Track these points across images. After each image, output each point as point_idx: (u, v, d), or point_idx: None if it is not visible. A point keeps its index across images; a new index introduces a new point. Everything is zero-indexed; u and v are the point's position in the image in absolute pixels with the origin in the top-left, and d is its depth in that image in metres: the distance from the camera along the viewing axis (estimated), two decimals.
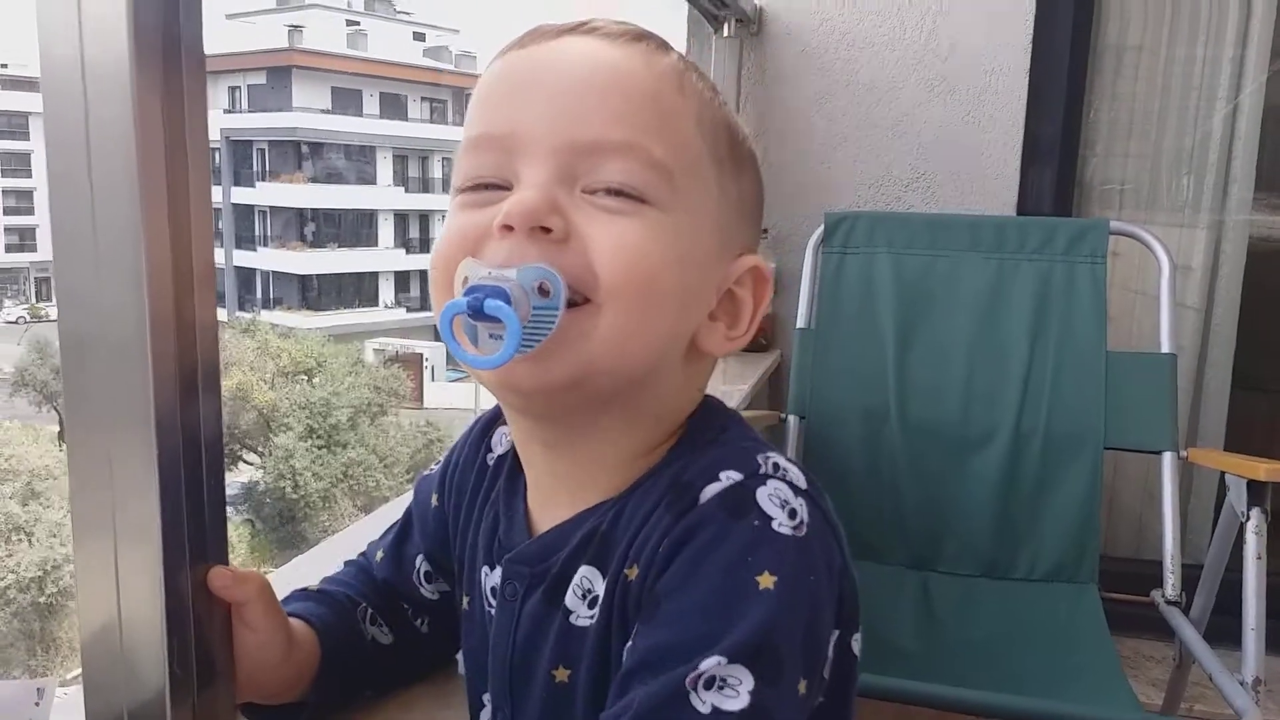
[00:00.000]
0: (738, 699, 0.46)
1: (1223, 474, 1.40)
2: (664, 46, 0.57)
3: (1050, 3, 2.02)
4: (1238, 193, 2.18)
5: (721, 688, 0.46)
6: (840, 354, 1.70)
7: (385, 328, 24.98)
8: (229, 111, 27.18)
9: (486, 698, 0.63)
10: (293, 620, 0.62)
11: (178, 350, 0.52)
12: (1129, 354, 1.63)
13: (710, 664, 0.47)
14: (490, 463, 0.66)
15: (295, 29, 27.58)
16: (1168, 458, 1.53)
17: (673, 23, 2.01)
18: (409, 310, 26.87)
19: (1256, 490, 1.31)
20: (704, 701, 0.46)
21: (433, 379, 22.08)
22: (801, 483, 0.53)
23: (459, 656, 0.71)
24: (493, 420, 0.68)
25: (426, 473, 0.72)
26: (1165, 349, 1.60)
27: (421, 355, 22.10)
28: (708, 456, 0.54)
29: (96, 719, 0.55)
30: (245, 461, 14.92)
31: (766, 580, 0.49)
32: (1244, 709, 1.16)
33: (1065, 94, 2.08)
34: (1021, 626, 1.47)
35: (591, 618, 0.55)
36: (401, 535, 0.71)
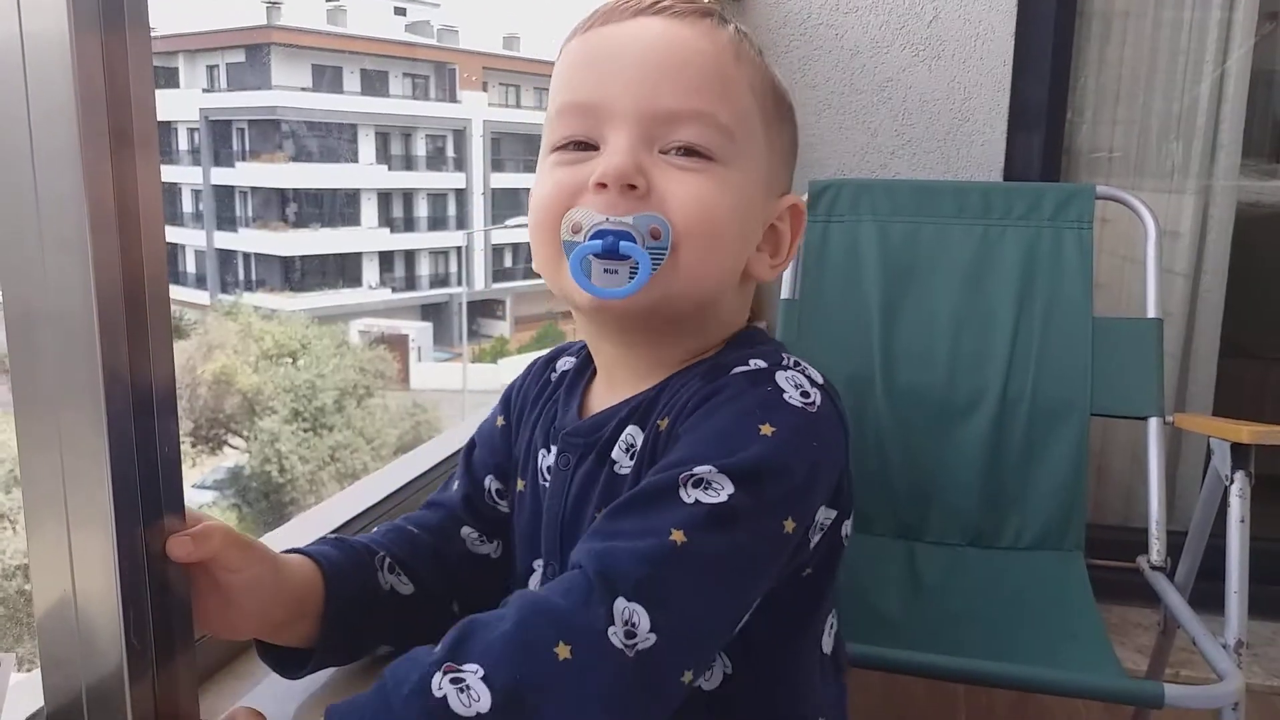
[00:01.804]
0: (717, 497, 0.56)
1: (1209, 438, 1.39)
2: (722, 19, 0.67)
3: None
4: (1225, 158, 2.17)
5: (707, 488, 0.57)
6: (826, 324, 1.68)
7: (370, 308, 24.85)
8: (208, 91, 26.86)
9: (538, 563, 0.72)
10: (294, 556, 0.67)
11: (127, 320, 0.51)
12: (1115, 319, 1.62)
13: (703, 470, 0.57)
14: (553, 379, 0.78)
15: (273, 6, 27.16)
16: (1154, 423, 1.52)
17: None
18: (394, 290, 26.70)
19: (1240, 453, 1.30)
20: (689, 494, 0.56)
21: (419, 360, 22.02)
22: (819, 379, 0.65)
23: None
24: (556, 355, 0.81)
25: (485, 418, 0.83)
26: (1151, 314, 1.59)
27: (407, 336, 22.03)
28: (743, 351, 0.66)
29: (55, 695, 0.54)
30: (230, 446, 14.86)
31: (768, 429, 0.59)
32: (1226, 672, 1.15)
33: (1052, 59, 2.05)
34: (1008, 595, 1.46)
35: (631, 465, 0.66)
36: (467, 466, 0.80)
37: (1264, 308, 2.40)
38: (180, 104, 26.64)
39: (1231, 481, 1.29)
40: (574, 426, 0.71)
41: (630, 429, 0.67)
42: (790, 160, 0.73)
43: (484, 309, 27.99)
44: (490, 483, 0.78)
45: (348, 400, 13.88)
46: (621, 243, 0.60)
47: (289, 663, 0.66)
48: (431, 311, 26.49)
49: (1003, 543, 1.57)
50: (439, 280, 27.50)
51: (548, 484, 0.72)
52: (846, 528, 0.69)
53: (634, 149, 0.62)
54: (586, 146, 0.64)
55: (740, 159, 0.65)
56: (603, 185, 0.62)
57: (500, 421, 0.80)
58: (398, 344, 20.37)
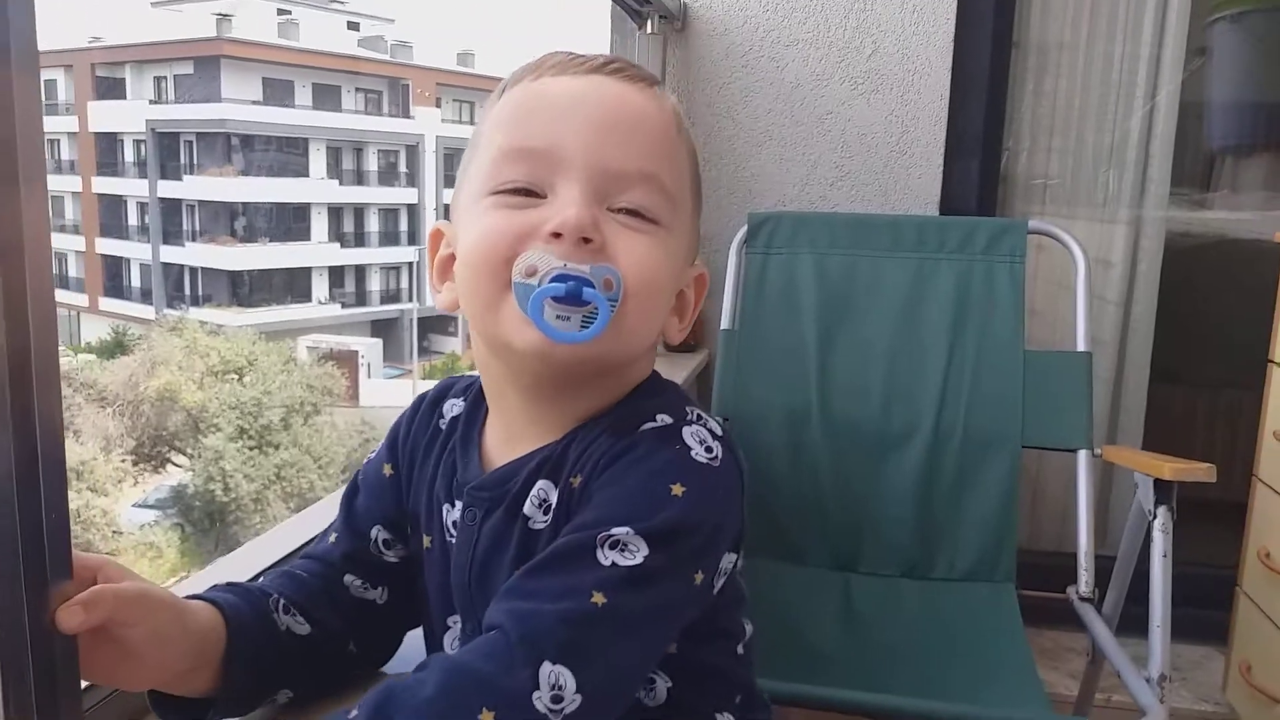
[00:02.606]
0: (634, 559, 0.58)
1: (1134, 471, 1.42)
2: (664, 91, 0.70)
3: (972, 0, 2.02)
4: (1155, 189, 2.22)
5: (623, 550, 0.58)
6: (763, 355, 1.68)
7: (319, 324, 24.52)
8: (155, 102, 26.39)
9: (453, 620, 0.72)
10: (194, 602, 0.66)
11: (9, 369, 0.48)
12: (1046, 353, 1.65)
13: (620, 531, 0.59)
14: (443, 426, 0.77)
15: (224, 18, 26.86)
16: (1083, 455, 1.55)
17: (595, 17, 1.98)
18: (344, 306, 26.40)
19: (1162, 489, 1.32)
20: (606, 556, 0.58)
21: (369, 376, 21.75)
22: (718, 431, 0.67)
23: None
24: (442, 394, 0.79)
25: (369, 458, 0.81)
26: (1081, 347, 1.62)
27: (357, 353, 21.76)
28: (649, 404, 0.67)
29: None
30: (173, 464, 14.54)
31: (678, 489, 0.61)
32: (1149, 706, 1.17)
33: (987, 91, 2.09)
34: (941, 627, 1.48)
35: (546, 521, 0.66)
36: (349, 514, 0.78)
37: (1192, 334, 2.46)
38: (126, 115, 26.16)
39: (1154, 516, 1.32)
40: (479, 480, 0.70)
41: (541, 484, 0.67)
42: (698, 227, 0.76)
43: (435, 325, 27.75)
44: (377, 533, 0.76)
45: (295, 418, 13.66)
46: (584, 289, 0.61)
47: (187, 715, 0.65)
48: (382, 327, 26.22)
49: (936, 573, 1.58)
50: (390, 296, 27.24)
51: (454, 539, 0.71)
52: (740, 561, 0.71)
53: (589, 203, 0.63)
54: (531, 194, 0.64)
55: (676, 225, 0.67)
56: (557, 235, 0.62)
57: (388, 470, 0.78)
58: (347, 360, 20.11)
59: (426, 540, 0.74)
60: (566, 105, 0.65)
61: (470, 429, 0.74)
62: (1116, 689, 1.83)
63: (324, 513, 1.03)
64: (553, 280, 0.61)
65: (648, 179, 0.65)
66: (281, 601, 0.71)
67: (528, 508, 0.67)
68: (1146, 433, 2.28)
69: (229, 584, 0.71)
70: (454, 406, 0.77)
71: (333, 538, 0.77)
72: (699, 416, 0.67)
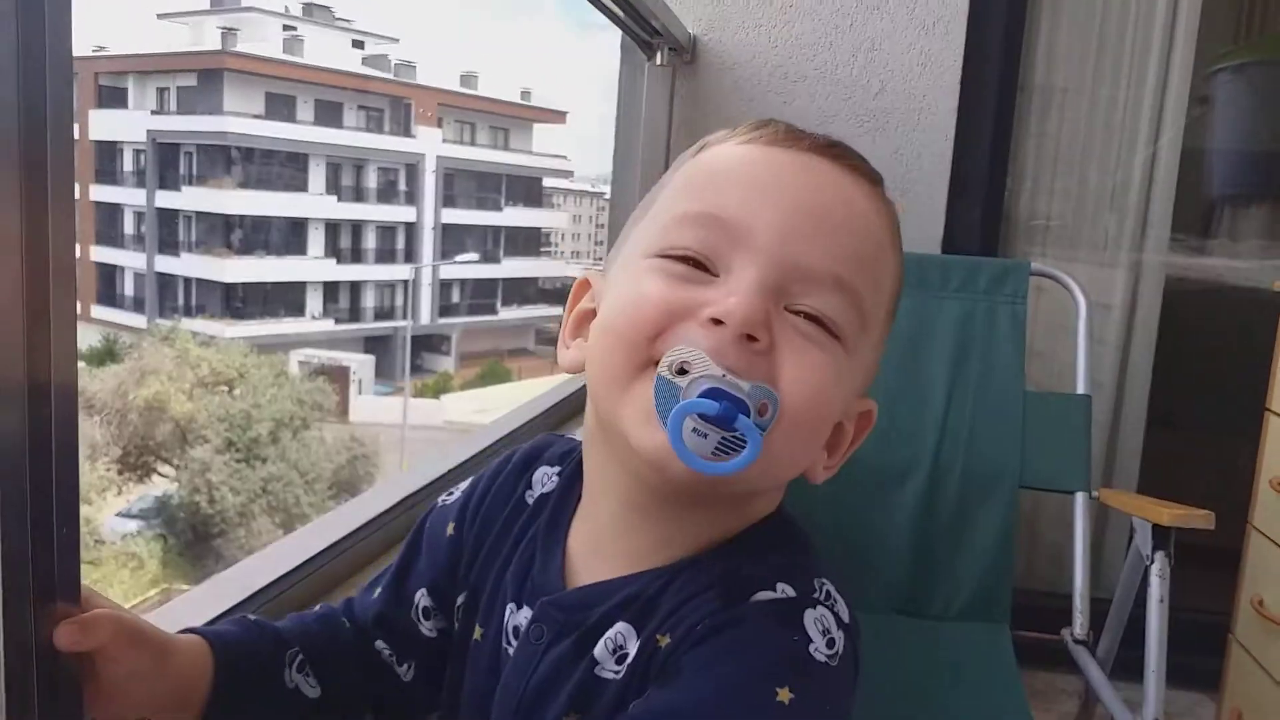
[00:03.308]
0: None
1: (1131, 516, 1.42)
2: (886, 191, 0.60)
3: (979, 43, 2.04)
4: (1155, 234, 2.24)
5: None
6: None
7: (312, 339, 24.47)
8: (156, 113, 26.45)
9: None
10: (188, 638, 0.60)
11: (27, 378, 0.47)
12: (1046, 395, 1.66)
13: None
14: (530, 501, 0.66)
15: (229, 32, 27.01)
16: (1080, 498, 1.55)
17: (606, 48, 1.99)
18: (337, 322, 26.37)
19: (1160, 534, 1.33)
20: None
21: (359, 393, 21.70)
22: (845, 616, 0.56)
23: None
24: (534, 457, 0.69)
25: (441, 503, 0.71)
26: (1080, 390, 1.63)
27: (348, 368, 21.72)
28: (769, 562, 0.56)
29: None
30: (160, 474, 14.45)
31: (785, 694, 0.50)
32: None
33: (992, 133, 2.11)
34: (936, 666, 1.47)
35: (617, 673, 0.56)
36: (404, 567, 0.69)
37: (1189, 379, 2.47)
38: (127, 125, 26.22)
39: (1152, 561, 1.32)
40: (558, 597, 0.60)
41: (621, 626, 0.57)
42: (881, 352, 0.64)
43: (429, 344, 27.74)
44: (421, 598, 0.67)
45: (283, 432, 13.60)
46: (739, 415, 0.51)
47: None
48: (375, 344, 26.17)
49: (932, 612, 1.58)
50: (384, 313, 27.23)
51: (513, 650, 0.61)
52: None
53: (764, 295, 0.53)
54: (702, 268, 0.55)
55: (860, 349, 0.57)
56: (718, 322, 0.52)
57: (451, 530, 0.68)
58: (338, 376, 20.06)
59: (478, 632, 0.64)
60: (770, 179, 0.56)
61: (559, 517, 0.64)
62: None
63: (317, 533, 1.02)
64: (704, 393, 0.51)
65: (842, 287, 0.54)
66: (300, 657, 0.64)
67: (600, 649, 0.57)
68: (1143, 476, 2.29)
69: (255, 620, 0.65)
70: (546, 479, 0.67)
71: (377, 591, 0.69)
72: (827, 595, 0.56)
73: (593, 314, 0.60)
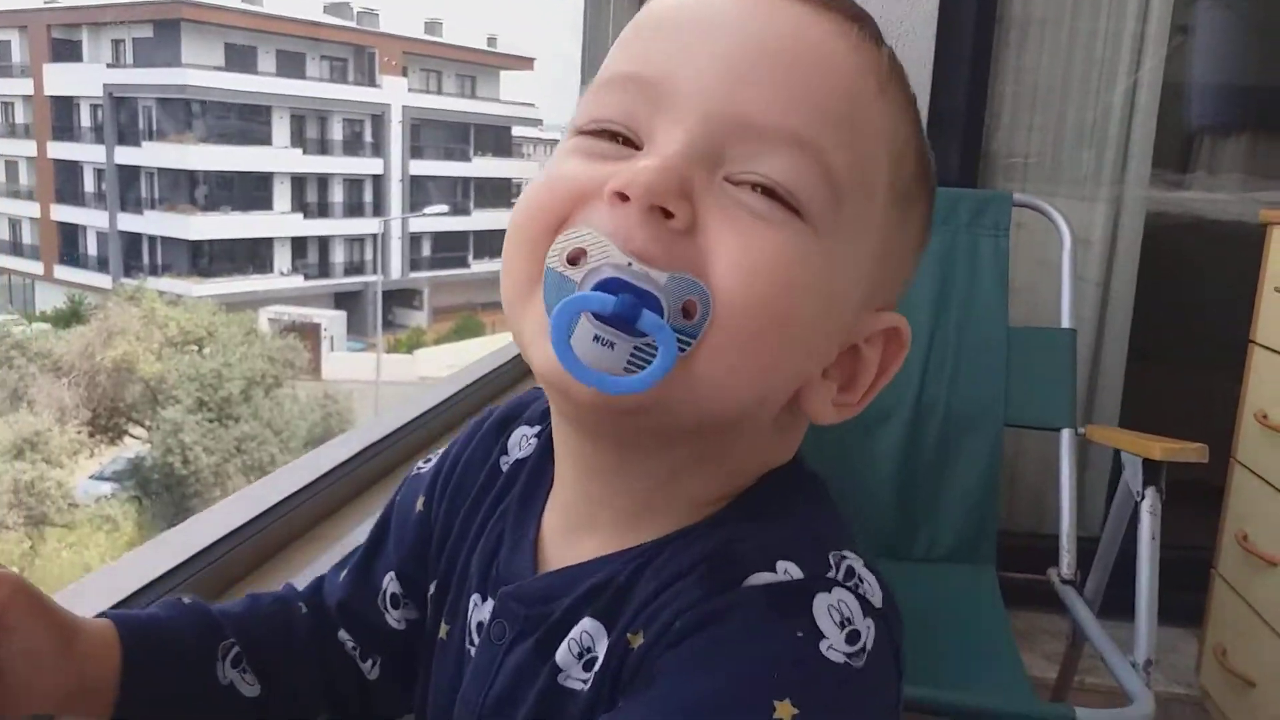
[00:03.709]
0: None
1: (1118, 450, 1.39)
2: (877, 37, 0.46)
3: None
4: (1136, 168, 2.20)
5: None
6: None
7: (281, 295, 24.17)
8: (112, 66, 25.74)
9: None
10: (96, 623, 0.52)
11: None
12: (1030, 329, 1.62)
13: None
14: (504, 467, 0.56)
15: None
16: (1066, 435, 1.52)
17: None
18: (307, 278, 26.02)
19: (1151, 469, 1.29)
20: None
21: (331, 349, 21.50)
22: (877, 599, 0.43)
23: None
24: (513, 416, 0.58)
25: (415, 471, 0.61)
26: (1065, 324, 1.59)
27: (319, 325, 21.50)
28: (769, 533, 0.45)
29: None
30: (132, 436, 14.30)
31: (786, 709, 0.38)
32: (1136, 693, 1.14)
33: (970, 65, 2.06)
34: (921, 609, 1.44)
35: (585, 682, 0.46)
36: (372, 549, 0.60)
37: (1170, 315, 2.45)
38: (83, 79, 25.50)
39: (1143, 498, 1.29)
40: (518, 587, 0.50)
41: (587, 624, 0.46)
42: (911, 261, 0.50)
43: (400, 299, 27.49)
44: (388, 583, 0.58)
45: (255, 390, 13.48)
46: (645, 312, 0.39)
47: None
48: (346, 300, 25.92)
49: (916, 555, 1.55)
50: (354, 268, 26.93)
51: (474, 650, 0.52)
52: None
53: (684, 157, 0.41)
54: (626, 141, 0.44)
55: (842, 229, 0.43)
56: (622, 197, 0.41)
57: (420, 505, 0.58)
58: (309, 333, 19.86)
59: (444, 629, 0.55)
60: (700, 18, 0.44)
61: (534, 488, 0.54)
62: (1090, 670, 1.81)
63: (285, 478, 0.96)
64: (598, 284, 0.40)
65: (800, 144, 0.42)
66: (235, 650, 0.55)
67: (562, 654, 0.47)
68: (1124, 412, 2.27)
69: (191, 601, 0.56)
70: (524, 442, 0.57)
71: (343, 574, 0.60)
72: (848, 572, 0.44)
73: None
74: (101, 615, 0.53)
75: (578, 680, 0.46)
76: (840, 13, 0.45)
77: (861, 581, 0.44)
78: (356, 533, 0.92)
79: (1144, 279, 2.23)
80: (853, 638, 0.41)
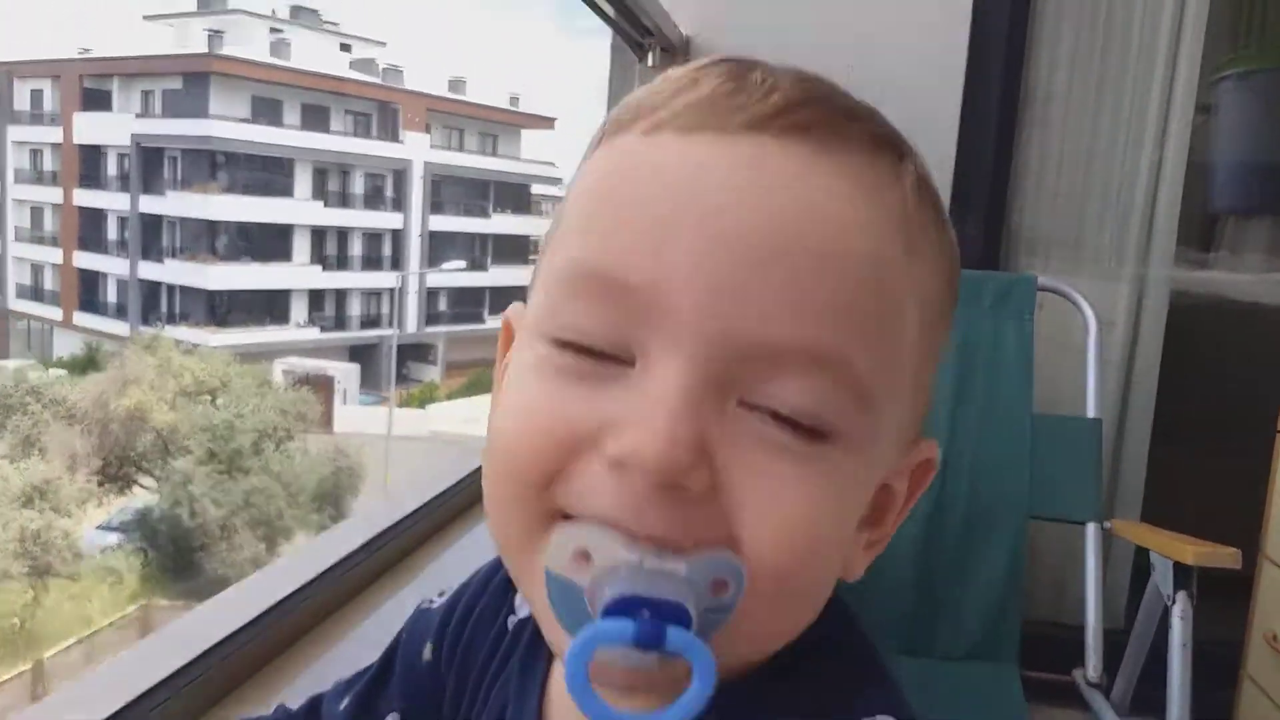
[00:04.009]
0: None
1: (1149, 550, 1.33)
2: (897, 160, 0.40)
3: (982, 47, 1.98)
4: (1160, 246, 2.17)
5: None
6: None
7: (297, 347, 24.31)
8: (141, 116, 26.28)
9: None
10: None
11: None
12: (1055, 418, 1.57)
13: None
14: (510, 626, 0.51)
15: (215, 34, 26.87)
16: (1091, 529, 1.47)
17: (595, 52, 1.92)
18: (323, 330, 26.21)
19: (1183, 573, 1.24)
20: None
21: (344, 402, 21.55)
22: None
23: None
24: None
25: (424, 606, 0.56)
26: (1091, 413, 1.55)
27: (333, 378, 21.57)
28: (798, 702, 0.41)
29: None
30: (141, 485, 14.29)
31: None
32: None
33: (995, 142, 2.05)
34: (942, 709, 1.38)
35: None
36: (376, 685, 0.56)
37: (1194, 398, 2.40)
38: (111, 128, 26.04)
39: (1174, 602, 1.23)
40: None
41: None
42: (933, 375, 0.44)
43: (415, 353, 27.60)
44: None
45: (266, 443, 13.48)
46: (670, 630, 0.34)
47: None
48: (361, 353, 26.06)
49: (937, 651, 1.49)
50: (370, 321, 27.12)
51: None
52: None
53: (693, 399, 0.35)
54: (612, 358, 0.37)
55: (868, 432, 0.38)
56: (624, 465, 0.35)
57: (429, 654, 0.54)
58: (322, 385, 19.92)
59: None
60: (688, 196, 0.36)
61: (536, 649, 0.49)
62: None
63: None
64: (610, 609, 0.34)
65: (821, 361, 0.36)
66: None
67: None
68: (1147, 496, 2.21)
69: None
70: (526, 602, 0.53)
71: (344, 703, 0.56)
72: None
73: None
74: None
75: None
76: (858, 144, 0.38)
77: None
78: (354, 636, 0.88)
79: (1167, 359, 2.19)
80: None
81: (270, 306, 25.52)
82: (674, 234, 0.35)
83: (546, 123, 33.35)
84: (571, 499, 0.36)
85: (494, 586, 0.54)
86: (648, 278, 0.35)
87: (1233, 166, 2.59)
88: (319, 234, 26.39)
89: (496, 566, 0.54)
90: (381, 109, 28.42)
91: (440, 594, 0.57)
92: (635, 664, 0.34)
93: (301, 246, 26.00)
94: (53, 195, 27.67)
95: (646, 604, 0.34)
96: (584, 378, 0.37)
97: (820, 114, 0.38)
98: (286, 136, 25.80)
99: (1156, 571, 1.30)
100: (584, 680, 0.33)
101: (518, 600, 0.52)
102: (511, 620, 0.52)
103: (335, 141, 26.83)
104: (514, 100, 33.24)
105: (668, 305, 0.35)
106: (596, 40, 1.89)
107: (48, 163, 28.11)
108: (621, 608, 0.34)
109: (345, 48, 30.45)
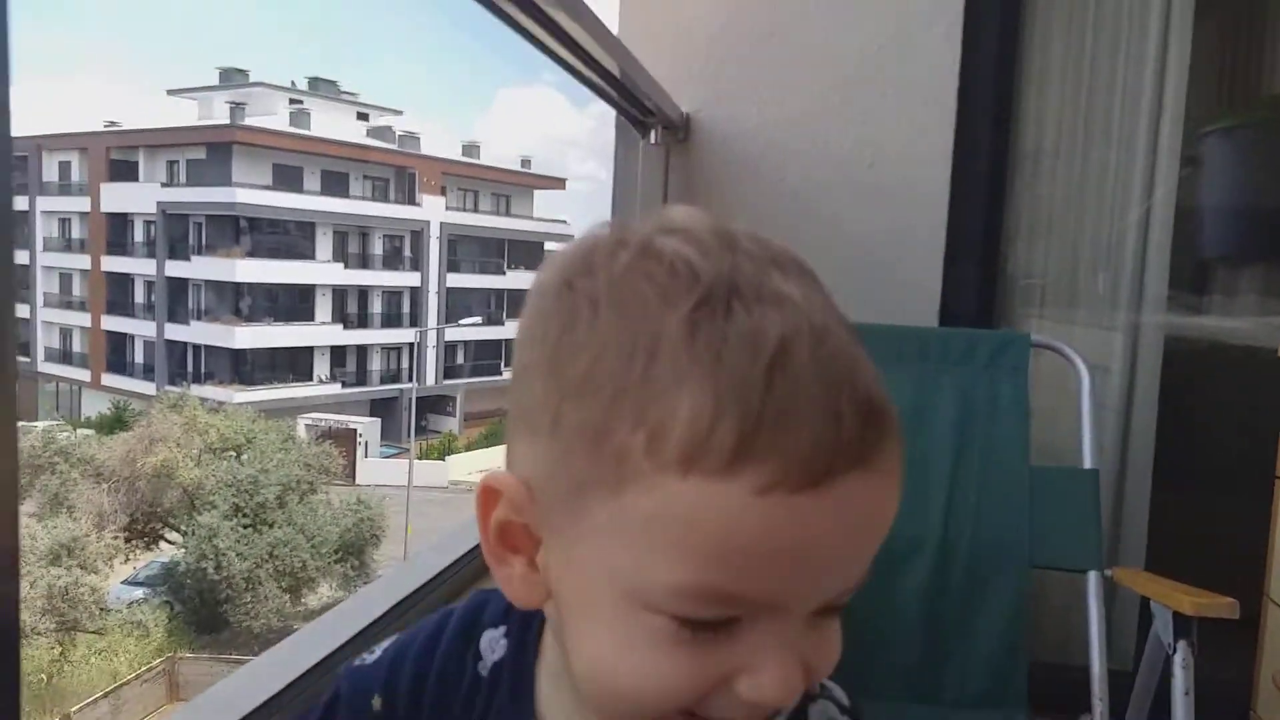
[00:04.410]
0: None
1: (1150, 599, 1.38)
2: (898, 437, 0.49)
3: (969, 111, 2.05)
4: (1152, 294, 2.22)
5: None
6: None
7: (319, 402, 24.53)
8: (166, 185, 26.88)
9: None
10: None
11: None
12: (1053, 469, 1.63)
13: None
14: (484, 673, 0.58)
15: (238, 106, 27.54)
16: (1093, 577, 1.52)
17: (600, 116, 2.01)
18: (344, 385, 26.46)
19: (1182, 622, 1.28)
20: None
21: (365, 455, 21.66)
22: (845, 701, 0.56)
23: None
24: (473, 622, 0.60)
25: (357, 664, 0.62)
26: (1088, 464, 1.60)
27: (355, 431, 21.72)
28: None
29: None
30: (167, 541, 14.38)
31: None
32: None
33: (985, 200, 2.10)
34: None
35: None
36: None
37: (1193, 444, 2.44)
38: (138, 197, 26.63)
39: (1174, 651, 1.28)
40: None
41: None
42: None
43: (434, 405, 27.77)
44: None
45: (290, 496, 13.56)
46: None
47: None
48: (381, 406, 26.24)
49: (946, 698, 1.53)
50: (390, 376, 27.38)
51: None
52: None
53: (801, 661, 0.45)
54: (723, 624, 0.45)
55: None
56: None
57: (378, 705, 0.60)
58: (345, 438, 20.06)
59: None
60: (806, 550, 0.43)
61: (520, 685, 0.57)
62: None
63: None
64: None
65: (859, 580, 0.48)
66: None
67: None
68: (1150, 541, 2.24)
69: None
70: (494, 644, 0.59)
71: None
72: (822, 686, 0.56)
73: (524, 529, 0.48)
74: None
75: None
76: (892, 455, 0.45)
77: (832, 690, 0.57)
78: None
79: (1165, 405, 2.23)
80: None
81: (293, 364, 25.81)
82: (799, 570, 0.43)
83: (557, 183, 33.92)
84: (704, 710, 0.45)
85: (448, 640, 0.60)
86: (772, 596, 0.43)
87: (1220, 215, 2.65)
88: (340, 293, 26.78)
89: (441, 622, 0.61)
90: (399, 174, 28.97)
91: (369, 654, 0.62)
92: None
93: (323, 306, 26.38)
94: (81, 262, 28.23)
95: None
96: (703, 644, 0.44)
97: (879, 432, 0.44)
98: (307, 202, 26.30)
99: (1157, 621, 1.35)
100: None
101: (482, 647, 0.59)
102: (482, 667, 0.58)
103: (355, 206, 27.33)
104: (525, 162, 33.81)
105: (785, 608, 0.44)
106: (601, 105, 1.99)
107: (76, 231, 28.72)
108: None
109: (363, 116, 31.09)
